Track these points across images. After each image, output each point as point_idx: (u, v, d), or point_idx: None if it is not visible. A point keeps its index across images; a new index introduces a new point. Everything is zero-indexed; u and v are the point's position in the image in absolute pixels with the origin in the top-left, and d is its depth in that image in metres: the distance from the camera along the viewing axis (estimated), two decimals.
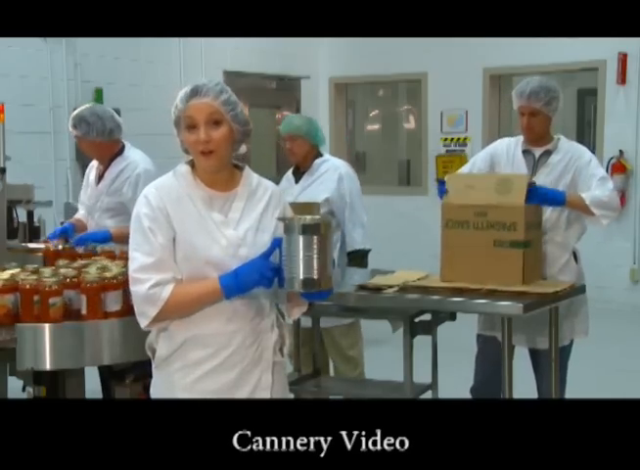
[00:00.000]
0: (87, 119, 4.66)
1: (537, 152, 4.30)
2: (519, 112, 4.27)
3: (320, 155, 4.97)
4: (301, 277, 2.52)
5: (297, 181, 4.95)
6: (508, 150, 4.36)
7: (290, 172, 5.06)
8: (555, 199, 4.03)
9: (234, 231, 2.66)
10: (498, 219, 3.80)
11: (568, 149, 4.27)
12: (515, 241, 3.77)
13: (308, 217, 2.59)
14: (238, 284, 2.57)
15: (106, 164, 4.79)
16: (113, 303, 3.32)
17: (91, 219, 4.83)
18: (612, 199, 4.12)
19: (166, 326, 2.68)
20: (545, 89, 4.18)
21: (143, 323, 2.65)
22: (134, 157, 4.79)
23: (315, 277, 2.52)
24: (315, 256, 2.51)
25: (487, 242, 3.82)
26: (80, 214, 4.94)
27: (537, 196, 3.90)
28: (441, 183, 4.14)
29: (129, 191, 4.67)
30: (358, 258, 4.85)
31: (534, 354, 4.38)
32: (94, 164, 4.91)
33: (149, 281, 2.59)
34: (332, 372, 5.09)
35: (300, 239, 2.51)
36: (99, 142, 4.69)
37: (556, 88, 4.23)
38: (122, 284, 3.31)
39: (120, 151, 4.80)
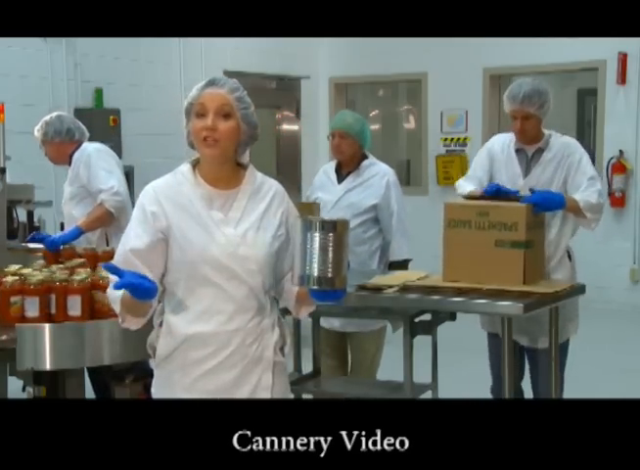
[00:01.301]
0: (47, 121, 5.00)
1: (530, 151, 4.31)
2: (511, 115, 4.27)
3: (366, 157, 4.81)
4: (316, 274, 2.51)
5: (339, 180, 4.79)
6: (503, 148, 4.38)
7: (331, 168, 4.88)
8: (556, 203, 4.02)
9: (234, 230, 2.66)
10: (500, 219, 3.81)
11: (559, 146, 4.27)
12: (516, 241, 3.78)
13: (326, 216, 2.61)
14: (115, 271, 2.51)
15: (68, 164, 5.04)
16: (31, 308, 3.35)
17: (62, 217, 5.15)
18: (599, 202, 4.15)
19: (164, 324, 2.68)
20: (538, 93, 4.16)
21: (119, 321, 2.66)
22: (84, 145, 5.05)
23: (330, 275, 2.51)
24: (331, 253, 2.51)
25: (489, 242, 3.82)
26: None
27: (538, 205, 3.90)
28: None
29: (85, 171, 4.93)
30: (402, 267, 4.70)
31: (531, 354, 4.36)
32: None
33: (111, 282, 2.58)
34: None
35: (317, 235, 2.51)
36: (58, 142, 4.97)
37: (547, 90, 4.22)
38: (43, 291, 3.34)
39: (77, 148, 5.05)
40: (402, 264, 4.72)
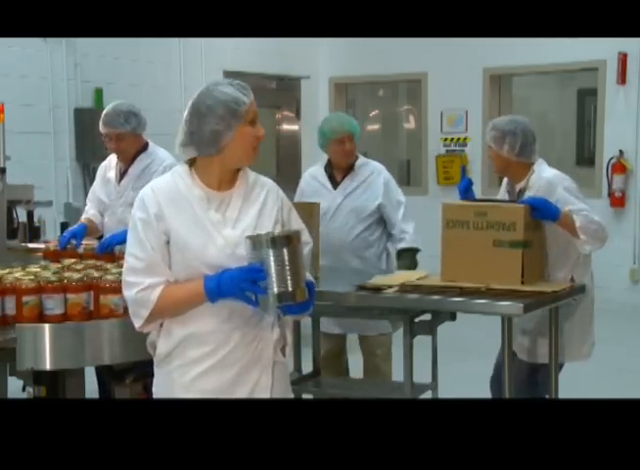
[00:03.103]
0: (133, 112, 4.67)
1: (515, 191, 4.20)
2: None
3: (356, 156, 4.73)
4: (276, 291, 2.51)
5: (334, 185, 4.69)
6: (504, 193, 4.30)
7: (321, 173, 4.75)
8: (551, 211, 3.92)
9: (232, 230, 2.66)
10: (498, 219, 3.81)
11: (539, 186, 4.07)
12: (514, 241, 3.77)
13: (276, 231, 2.62)
14: (220, 293, 2.58)
15: (129, 160, 4.75)
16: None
17: (112, 215, 4.76)
18: (600, 227, 3.95)
19: (164, 323, 2.69)
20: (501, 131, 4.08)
21: (137, 324, 2.67)
22: (160, 153, 4.81)
23: (290, 289, 2.51)
24: (287, 268, 2.50)
25: (487, 242, 3.82)
26: (90, 214, 4.84)
27: (535, 209, 3.85)
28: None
29: None
30: (410, 256, 4.62)
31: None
32: (109, 163, 4.86)
33: (139, 285, 2.61)
34: None
35: (271, 253, 2.50)
36: (139, 134, 4.71)
37: (504, 128, 4.08)
38: None
39: (144, 147, 4.78)
40: (412, 252, 4.64)
